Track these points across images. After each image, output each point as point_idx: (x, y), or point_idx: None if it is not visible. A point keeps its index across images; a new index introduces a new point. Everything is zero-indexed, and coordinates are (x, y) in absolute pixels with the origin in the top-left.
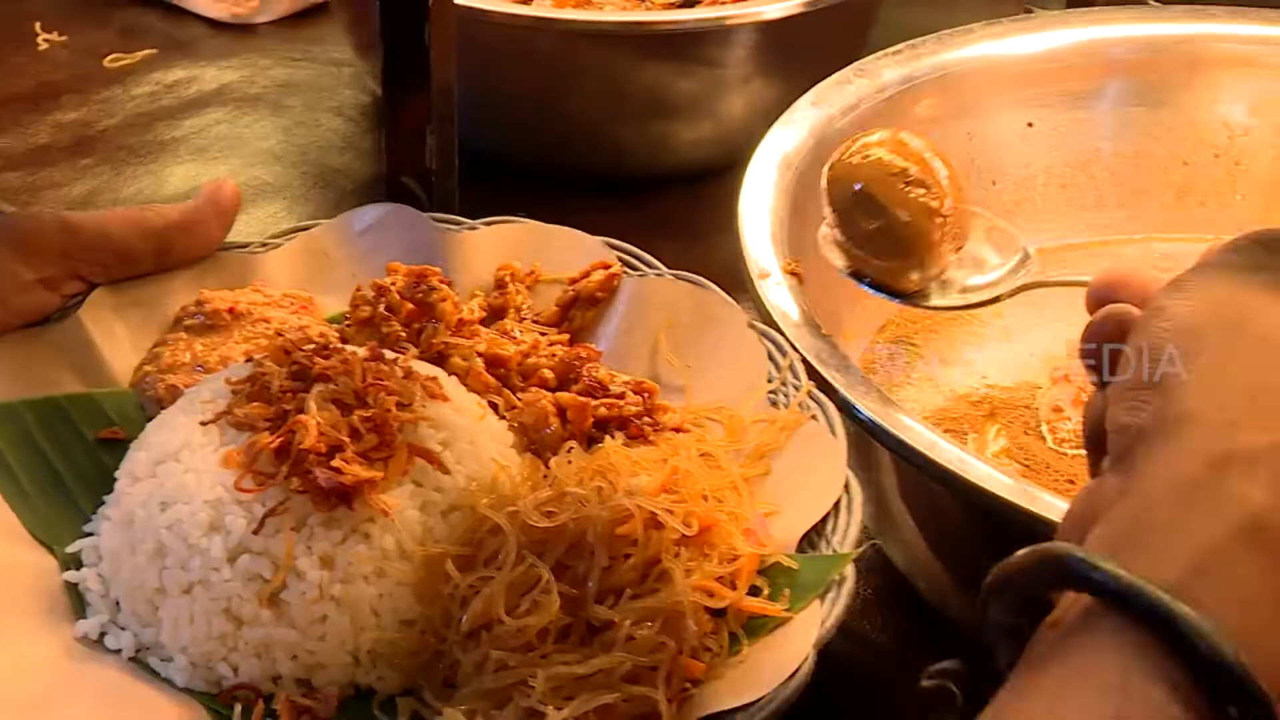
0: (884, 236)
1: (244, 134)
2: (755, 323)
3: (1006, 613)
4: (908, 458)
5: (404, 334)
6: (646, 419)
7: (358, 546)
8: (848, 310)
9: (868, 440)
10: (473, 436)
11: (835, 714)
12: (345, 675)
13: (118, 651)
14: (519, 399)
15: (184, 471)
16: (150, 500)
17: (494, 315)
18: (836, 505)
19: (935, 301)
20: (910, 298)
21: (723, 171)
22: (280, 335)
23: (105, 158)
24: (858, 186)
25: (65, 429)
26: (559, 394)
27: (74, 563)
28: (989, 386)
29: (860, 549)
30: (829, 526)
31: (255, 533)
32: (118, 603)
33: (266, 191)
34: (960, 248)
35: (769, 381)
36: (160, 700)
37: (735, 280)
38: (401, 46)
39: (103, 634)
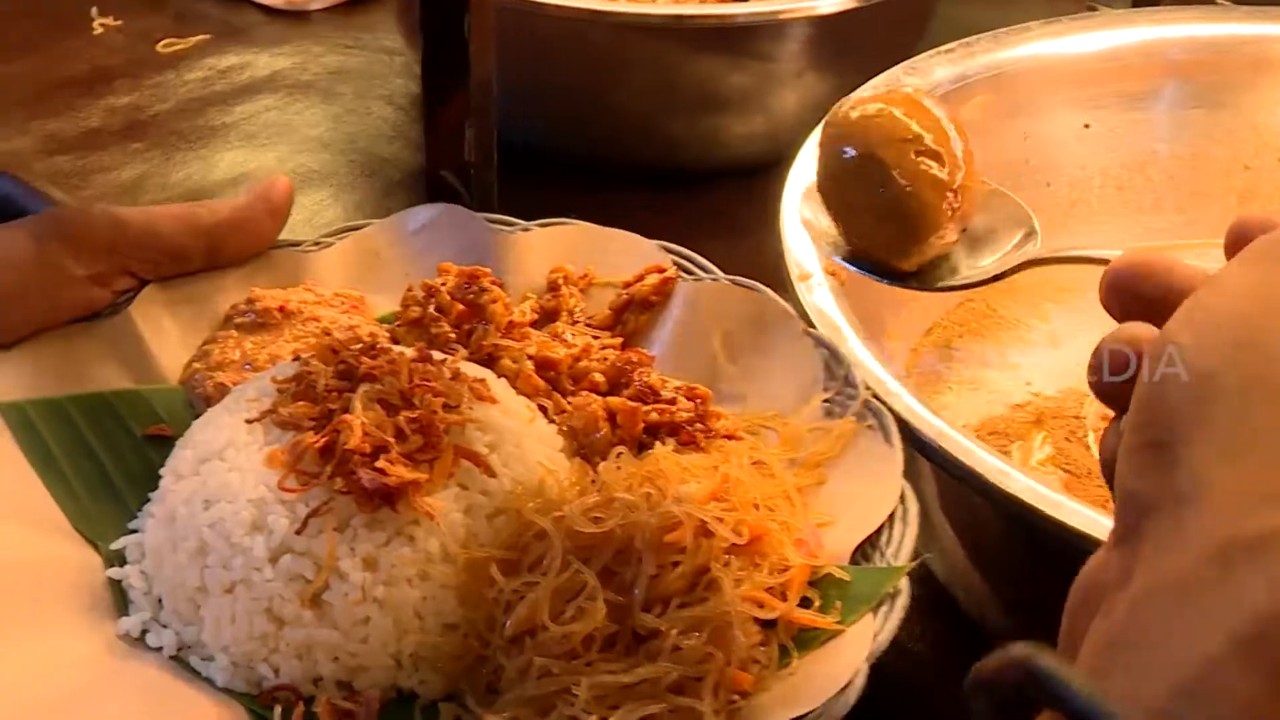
0: (885, 209)
1: (293, 121)
2: (811, 330)
3: (989, 713)
4: (946, 467)
5: (453, 335)
6: (698, 425)
7: (401, 549)
8: (891, 313)
9: (906, 447)
10: (520, 440)
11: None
12: (387, 678)
13: (159, 650)
14: (569, 403)
15: (228, 470)
16: (193, 498)
17: (546, 318)
18: (891, 516)
19: (932, 282)
20: (903, 278)
21: (773, 167)
22: (328, 334)
23: (156, 142)
24: (859, 149)
25: (113, 425)
26: (609, 398)
27: (118, 559)
28: (1034, 394)
29: (914, 562)
30: (883, 538)
31: (298, 533)
32: (160, 600)
33: (313, 179)
34: (965, 227)
35: (825, 390)
36: (200, 700)
37: (779, 280)
38: (441, 38)
39: (144, 632)
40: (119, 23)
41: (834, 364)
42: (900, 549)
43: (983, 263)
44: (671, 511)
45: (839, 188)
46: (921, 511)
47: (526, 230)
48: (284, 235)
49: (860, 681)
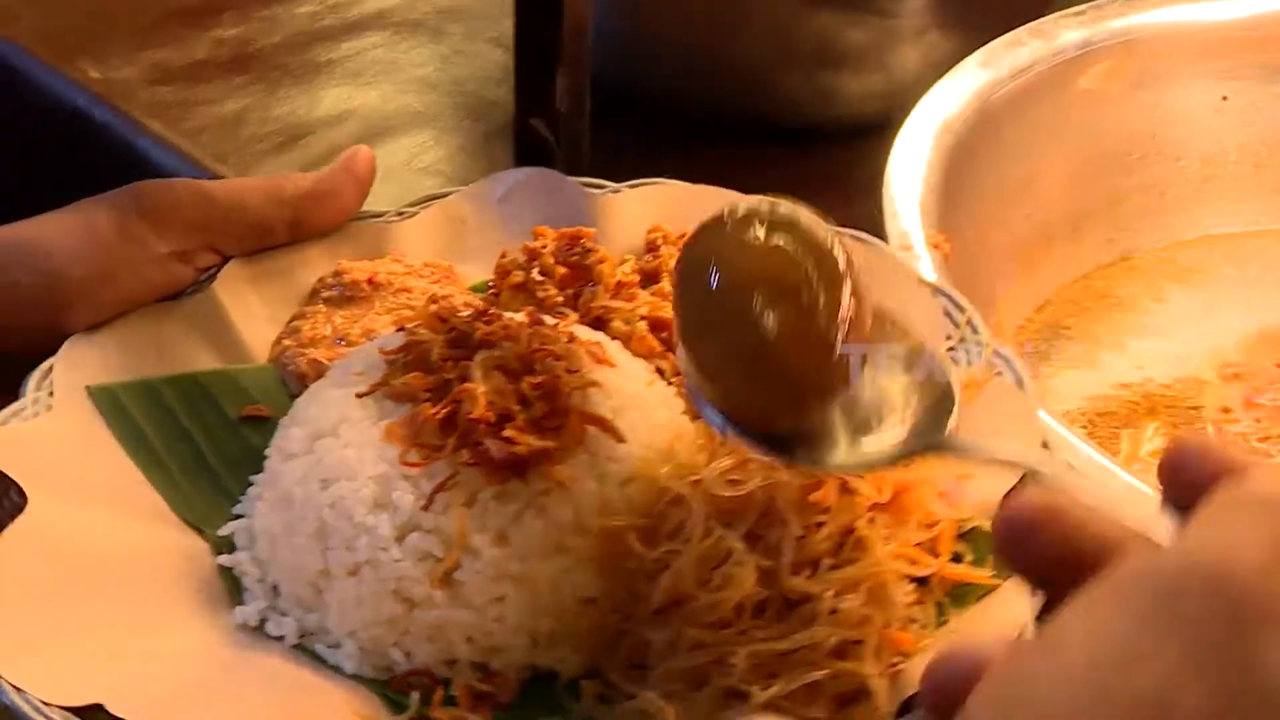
0: (749, 359)
1: (400, 60)
2: (927, 280)
3: None
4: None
5: (561, 299)
6: None
7: (534, 521)
8: (1004, 288)
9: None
10: (643, 403)
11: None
12: (524, 658)
13: (280, 638)
14: None
15: (343, 447)
16: (309, 478)
17: (647, 279)
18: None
19: (817, 458)
20: (784, 449)
21: (886, 129)
22: (435, 301)
23: (260, 76)
24: (721, 278)
25: (207, 407)
26: None
27: (226, 546)
28: (1147, 380)
29: None
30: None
31: (424, 509)
32: (275, 587)
33: (416, 120)
34: (849, 379)
35: (947, 339)
36: (329, 688)
37: None
38: None
39: (262, 620)
40: None
41: (955, 312)
42: None
43: (878, 439)
44: (812, 470)
45: (699, 323)
46: None
47: (617, 192)
48: (377, 184)
49: (1027, 637)
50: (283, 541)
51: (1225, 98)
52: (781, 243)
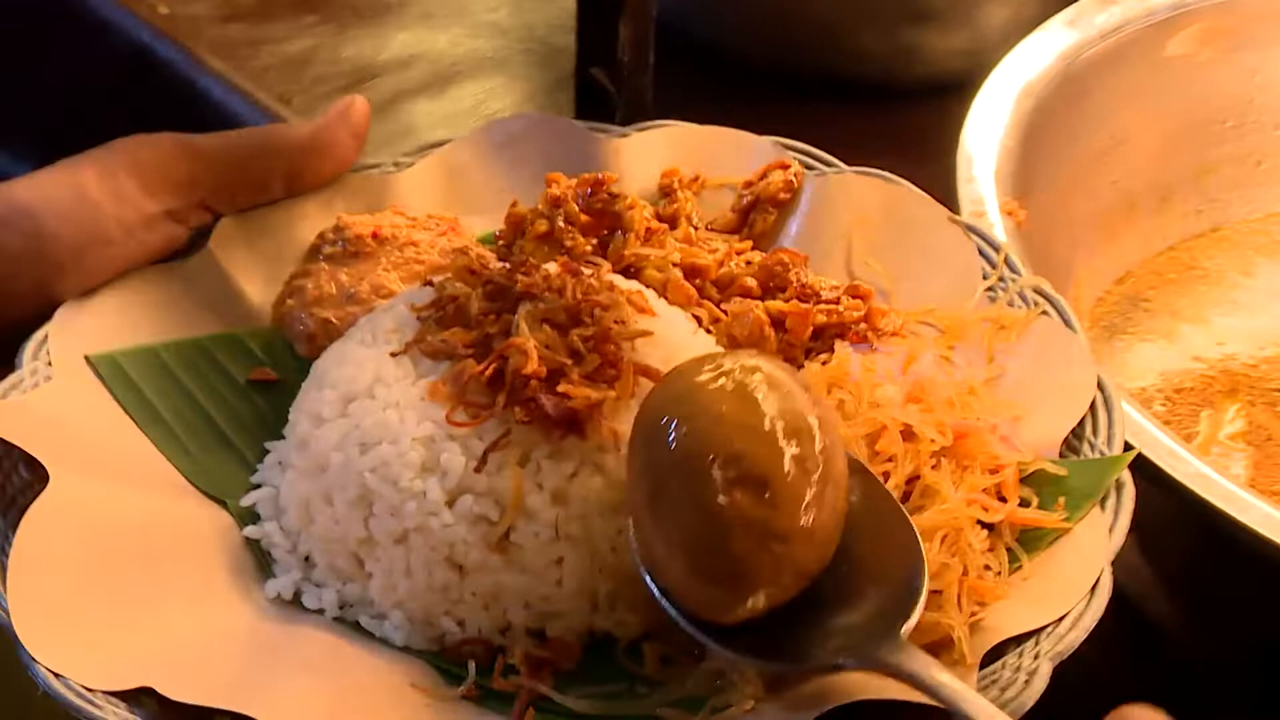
0: (693, 546)
1: (471, 4)
2: (958, 217)
3: None
4: None
5: (590, 247)
6: (864, 325)
7: (592, 479)
8: (1084, 257)
9: None
10: (689, 353)
11: None
12: (582, 622)
13: (319, 611)
14: (723, 310)
15: (382, 409)
16: (346, 442)
17: (665, 225)
18: (1092, 406)
19: (737, 645)
20: (727, 639)
21: (968, 88)
22: (465, 253)
23: (329, 16)
24: (678, 450)
25: (213, 372)
26: (768, 302)
27: (249, 517)
28: (1229, 357)
29: (1134, 451)
30: (1087, 428)
31: (477, 470)
32: (308, 558)
33: (485, 66)
34: (813, 574)
35: (984, 279)
36: (380, 661)
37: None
38: None
39: (297, 593)
40: None
41: (990, 251)
42: (1111, 438)
43: (822, 635)
44: (874, 418)
45: (651, 490)
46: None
47: (624, 135)
48: (441, 131)
49: (1107, 582)
50: (319, 511)
51: None
52: (751, 420)
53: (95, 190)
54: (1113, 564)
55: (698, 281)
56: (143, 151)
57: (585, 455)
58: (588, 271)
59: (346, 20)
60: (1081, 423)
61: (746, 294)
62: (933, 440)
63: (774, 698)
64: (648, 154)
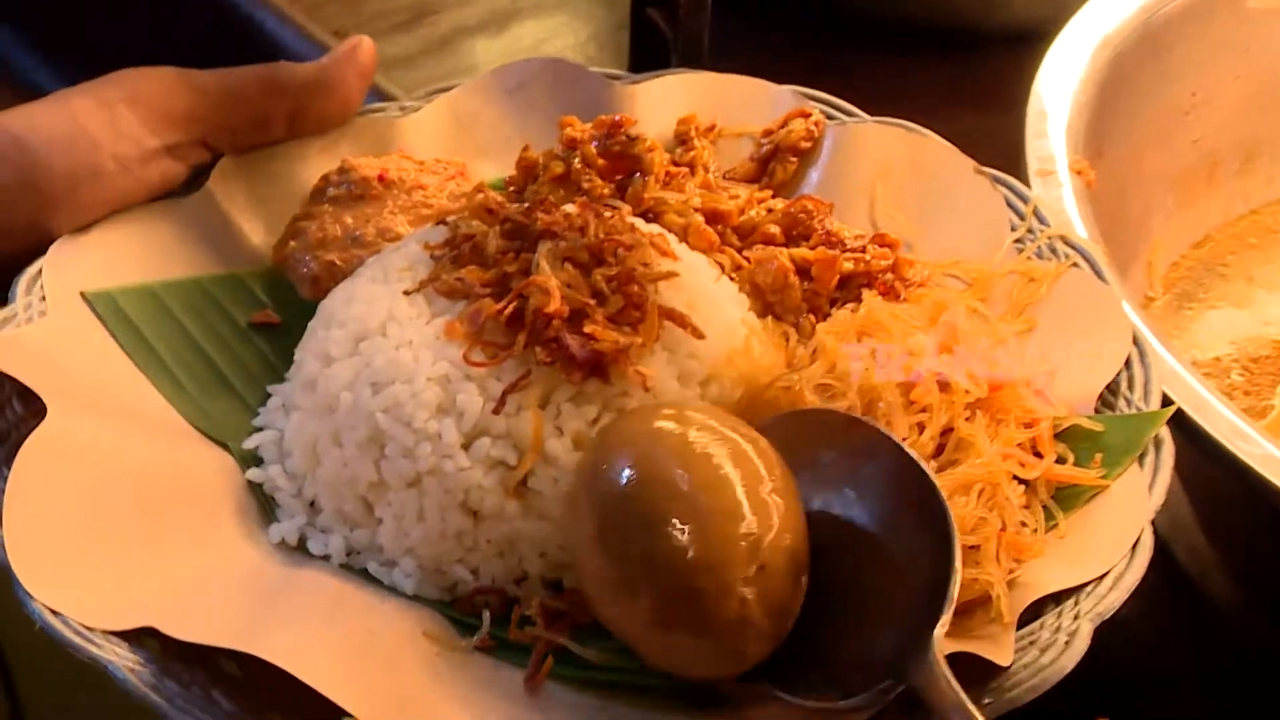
0: (653, 583)
1: None
2: (985, 168)
3: None
4: (1173, 420)
5: (608, 190)
6: (891, 275)
7: None
8: (1160, 220)
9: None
10: (714, 298)
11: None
12: None
13: (325, 558)
14: (746, 257)
15: (395, 347)
16: (357, 382)
17: None
18: (1128, 360)
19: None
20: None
21: (1045, 39)
22: (481, 190)
23: None
24: (630, 476)
25: (213, 313)
26: (793, 250)
27: (251, 460)
28: None
29: (1173, 407)
30: (1122, 384)
31: (495, 412)
32: (314, 503)
33: (546, 3)
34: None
35: (1012, 231)
36: (390, 609)
37: (1011, 171)
38: None
39: (302, 538)
40: None
41: (1018, 202)
42: (1148, 393)
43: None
44: (909, 364)
45: (597, 535)
46: None
47: (636, 82)
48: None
49: (1148, 540)
50: (327, 453)
51: None
52: (702, 491)
53: (91, 122)
54: (1173, 541)
55: (719, 228)
56: (143, 84)
57: (608, 400)
58: (608, 213)
59: None
60: (1117, 378)
61: (770, 241)
62: (967, 391)
63: None
64: (663, 102)
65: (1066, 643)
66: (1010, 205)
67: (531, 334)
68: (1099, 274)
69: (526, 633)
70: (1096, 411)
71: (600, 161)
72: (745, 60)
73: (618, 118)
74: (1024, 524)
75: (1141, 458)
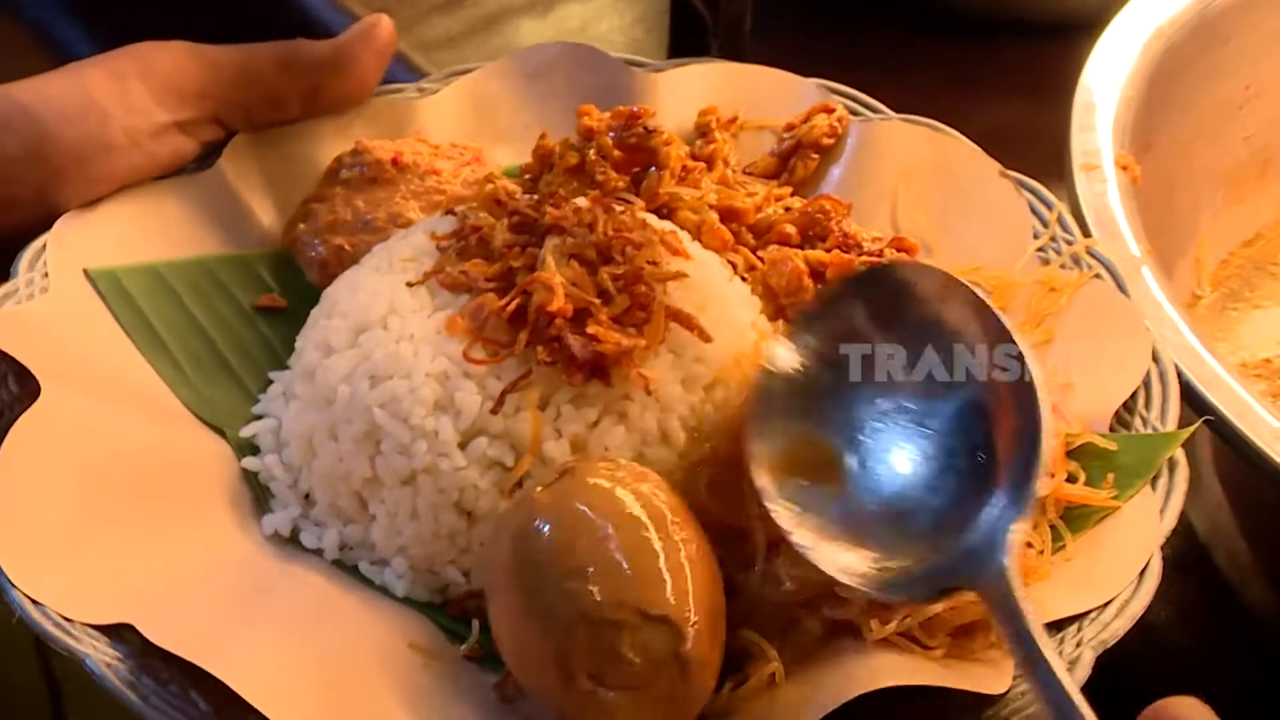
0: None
1: None
2: (1010, 172)
3: None
4: (1214, 425)
5: (623, 183)
6: None
7: (615, 429)
8: (1209, 217)
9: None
10: (724, 300)
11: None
12: None
13: (318, 552)
14: (759, 257)
15: (395, 340)
16: (355, 375)
17: None
18: (1146, 377)
19: None
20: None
21: (1096, 28)
22: (491, 181)
23: None
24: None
25: (217, 295)
26: (807, 252)
27: (248, 449)
28: None
29: (1194, 426)
30: (1139, 401)
31: (494, 412)
32: (309, 495)
33: None
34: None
35: (1035, 238)
36: (376, 615)
37: (1053, 165)
38: None
39: (295, 531)
40: None
41: (1043, 209)
42: (1165, 414)
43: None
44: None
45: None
46: (1190, 460)
47: (660, 70)
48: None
49: (1156, 567)
50: (323, 445)
51: None
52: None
53: (102, 95)
54: (1214, 547)
55: (734, 226)
56: (156, 58)
57: (609, 403)
58: (619, 208)
59: None
60: (1134, 396)
61: (785, 241)
62: None
63: (794, 678)
64: (685, 91)
65: (1068, 670)
66: (1034, 211)
67: (533, 332)
68: (1121, 287)
69: None
70: (1111, 430)
71: (616, 153)
72: (786, 44)
73: (635, 109)
74: (1029, 544)
75: (1155, 480)
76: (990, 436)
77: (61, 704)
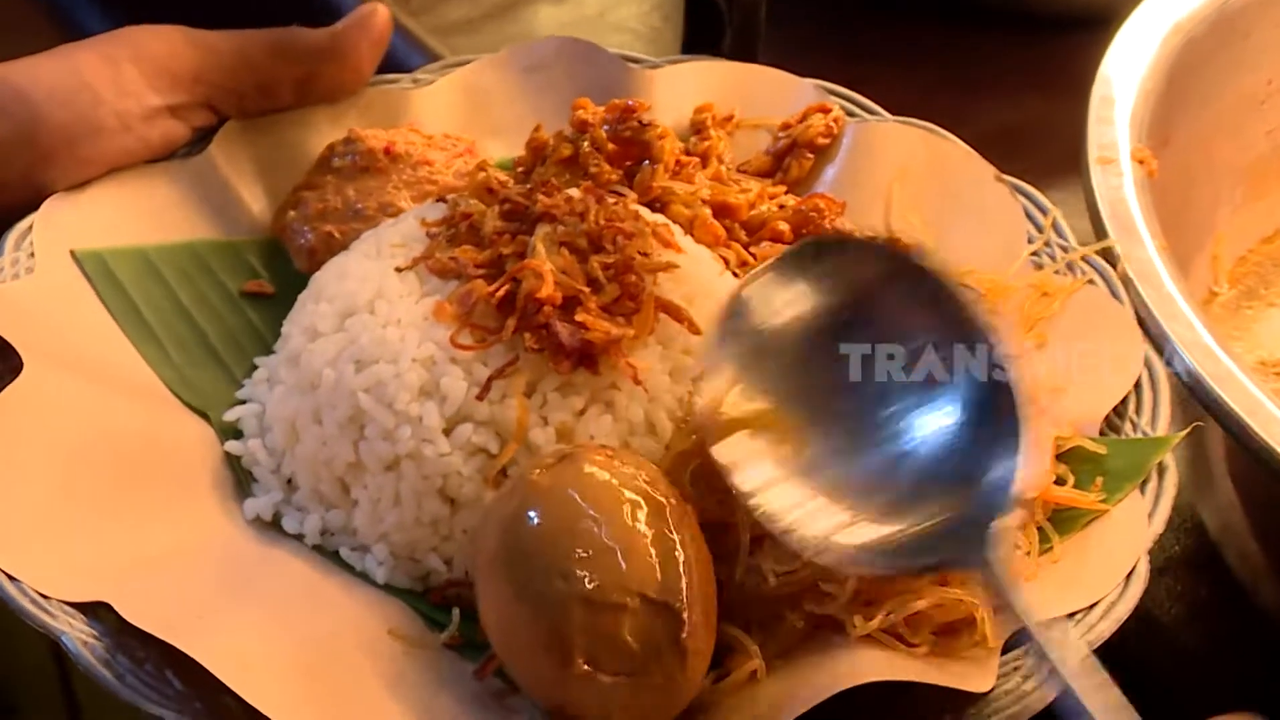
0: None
1: None
2: (1005, 176)
3: None
4: (1225, 423)
5: (615, 176)
6: None
7: (601, 418)
8: (1228, 213)
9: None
10: (715, 293)
11: None
12: None
13: (299, 537)
14: (752, 254)
15: (381, 325)
16: (341, 359)
17: None
18: (1137, 383)
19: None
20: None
21: (1115, 21)
22: (483, 169)
23: None
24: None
25: (205, 280)
26: None
27: (232, 433)
28: None
29: (1184, 433)
30: (1130, 406)
31: (479, 398)
32: (291, 480)
33: None
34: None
35: (1029, 242)
36: (353, 604)
37: (1068, 161)
38: None
39: (276, 515)
40: None
41: (1037, 214)
42: (1155, 418)
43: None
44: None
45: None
46: (1201, 457)
47: (656, 67)
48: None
49: (1144, 570)
50: (306, 430)
51: None
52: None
53: (94, 77)
54: (1225, 547)
55: (727, 222)
56: (149, 42)
57: (596, 392)
58: (612, 199)
59: None
60: (1125, 400)
61: (778, 238)
62: None
63: (777, 673)
64: (681, 88)
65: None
66: (1029, 216)
67: (521, 319)
68: (1114, 293)
69: None
70: (1101, 434)
71: (610, 146)
72: (802, 33)
73: (630, 102)
74: (1016, 545)
75: (1144, 484)
76: (972, 400)
77: (71, 683)
